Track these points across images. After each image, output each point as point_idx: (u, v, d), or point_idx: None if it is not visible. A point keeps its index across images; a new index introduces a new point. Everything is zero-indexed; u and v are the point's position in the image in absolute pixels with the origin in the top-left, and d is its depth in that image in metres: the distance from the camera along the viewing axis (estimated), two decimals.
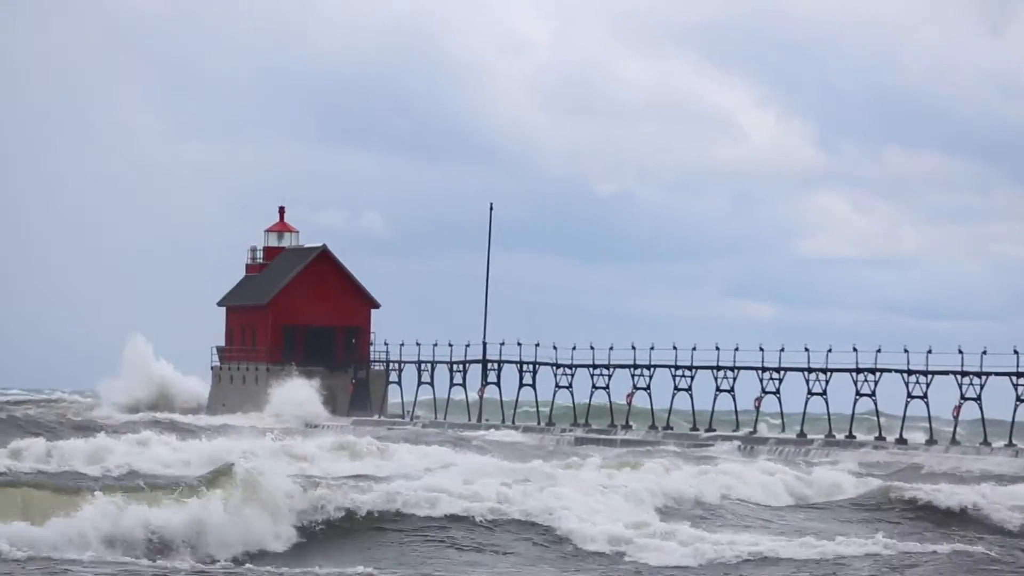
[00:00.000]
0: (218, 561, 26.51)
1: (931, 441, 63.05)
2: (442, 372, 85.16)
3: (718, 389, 72.23)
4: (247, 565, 25.95)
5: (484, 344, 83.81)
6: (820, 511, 37.34)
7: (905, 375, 65.79)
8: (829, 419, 69.04)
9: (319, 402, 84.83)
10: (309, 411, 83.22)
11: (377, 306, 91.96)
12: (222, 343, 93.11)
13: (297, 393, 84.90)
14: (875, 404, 67.62)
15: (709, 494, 36.74)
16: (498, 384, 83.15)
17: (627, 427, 73.93)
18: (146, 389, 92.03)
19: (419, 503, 30.56)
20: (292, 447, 47.55)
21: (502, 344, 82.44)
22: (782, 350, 70.17)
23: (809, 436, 66.64)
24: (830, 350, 68.50)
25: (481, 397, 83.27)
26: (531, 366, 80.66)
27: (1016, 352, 62.60)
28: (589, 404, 78.32)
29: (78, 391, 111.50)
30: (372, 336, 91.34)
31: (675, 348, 73.69)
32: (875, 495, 38.85)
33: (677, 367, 73.65)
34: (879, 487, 40.28)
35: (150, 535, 26.83)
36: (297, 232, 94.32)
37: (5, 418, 63.55)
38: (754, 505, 37.50)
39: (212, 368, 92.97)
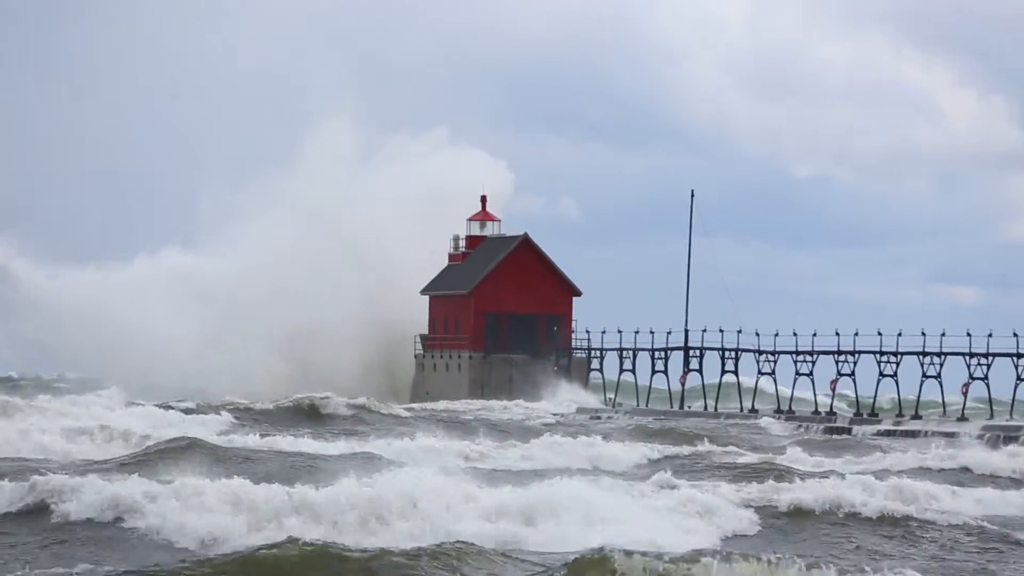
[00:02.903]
0: None
1: None
2: (643, 359, 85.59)
3: (924, 375, 71.57)
4: None
5: (686, 331, 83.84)
6: None
7: None
8: None
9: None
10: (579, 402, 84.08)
11: (579, 294, 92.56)
12: (425, 331, 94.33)
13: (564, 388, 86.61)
14: None
15: None
16: (700, 371, 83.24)
17: (832, 414, 73.42)
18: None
19: None
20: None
21: (704, 331, 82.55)
22: (990, 335, 69.47)
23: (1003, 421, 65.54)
24: None
25: (683, 384, 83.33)
26: (733, 353, 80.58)
27: None
28: (792, 391, 77.94)
29: None
30: (574, 323, 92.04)
31: (880, 334, 73.24)
32: None
33: (882, 353, 73.07)
34: None
35: None
36: (499, 221, 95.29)
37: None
38: None
39: (416, 356, 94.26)
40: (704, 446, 49.48)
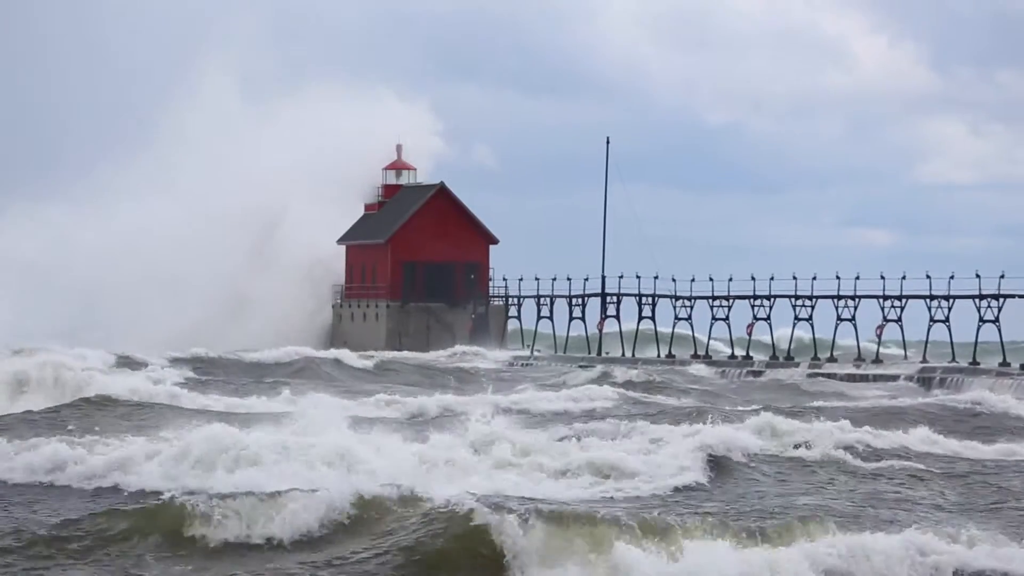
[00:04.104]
0: None
1: None
2: (561, 306, 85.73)
3: (839, 318, 72.15)
4: None
5: (603, 278, 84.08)
6: None
7: None
8: (952, 346, 68.73)
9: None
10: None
11: (495, 242, 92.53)
12: (342, 281, 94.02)
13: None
14: (999, 330, 67.30)
15: None
16: (617, 317, 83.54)
17: (748, 358, 73.93)
18: None
19: None
20: None
21: (620, 277, 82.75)
22: (903, 278, 70.13)
23: (932, 363, 66.30)
24: (952, 276, 68.40)
25: (601, 331, 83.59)
26: (650, 299, 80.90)
27: None
28: (709, 336, 78.44)
29: None
30: (491, 272, 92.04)
31: (795, 278, 73.76)
32: None
33: (797, 297, 73.62)
34: None
35: None
36: (415, 169, 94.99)
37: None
38: None
39: (332, 306, 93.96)
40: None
